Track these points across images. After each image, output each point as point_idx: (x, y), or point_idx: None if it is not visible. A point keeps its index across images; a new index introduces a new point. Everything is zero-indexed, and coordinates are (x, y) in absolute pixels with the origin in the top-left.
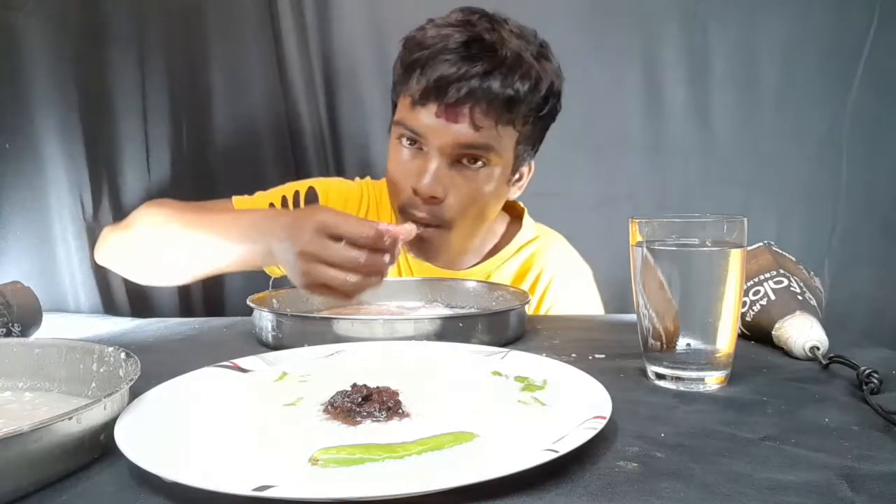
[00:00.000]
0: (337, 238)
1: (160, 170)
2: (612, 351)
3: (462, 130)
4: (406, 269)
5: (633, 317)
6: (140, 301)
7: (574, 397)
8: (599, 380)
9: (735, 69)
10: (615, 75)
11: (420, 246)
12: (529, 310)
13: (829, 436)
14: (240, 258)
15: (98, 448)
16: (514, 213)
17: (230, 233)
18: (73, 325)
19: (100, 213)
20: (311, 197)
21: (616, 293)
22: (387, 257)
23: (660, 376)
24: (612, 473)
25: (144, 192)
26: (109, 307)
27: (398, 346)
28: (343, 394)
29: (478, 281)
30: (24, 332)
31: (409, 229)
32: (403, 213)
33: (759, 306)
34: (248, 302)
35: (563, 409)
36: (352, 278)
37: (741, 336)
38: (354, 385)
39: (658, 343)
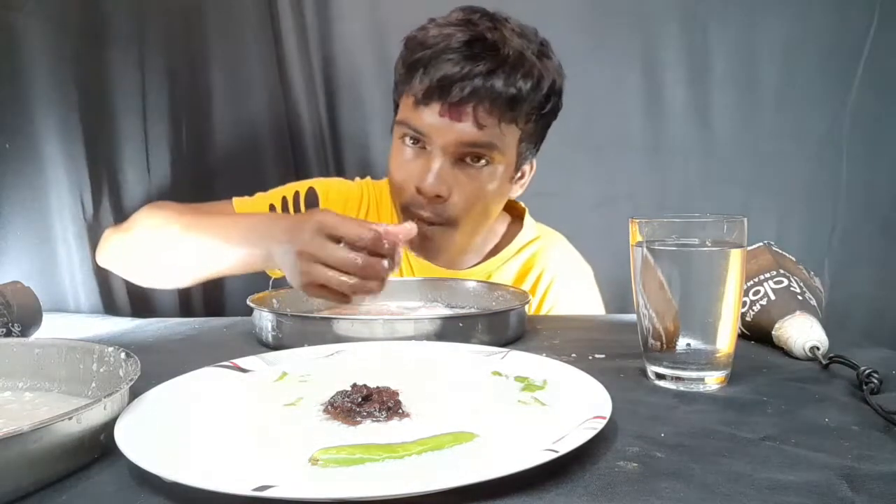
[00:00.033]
0: (336, 239)
1: (160, 170)
2: (612, 351)
3: (466, 129)
4: (407, 268)
5: (633, 317)
6: (140, 301)
7: (574, 397)
8: (599, 380)
9: (735, 69)
10: (615, 75)
11: (424, 244)
12: (530, 310)
13: (829, 436)
14: (240, 261)
15: (98, 448)
16: (514, 213)
17: (231, 236)
18: (73, 325)
19: (100, 212)
20: (312, 197)
21: (616, 293)
22: (386, 262)
23: (660, 376)
24: (612, 473)
25: (144, 192)
26: (109, 307)
27: (398, 346)
28: (343, 394)
29: (478, 281)
30: (24, 332)
31: (408, 228)
32: (407, 212)
33: (759, 306)
34: (248, 302)
35: (563, 409)
36: (349, 280)
37: (741, 336)
38: (354, 385)
39: (658, 343)
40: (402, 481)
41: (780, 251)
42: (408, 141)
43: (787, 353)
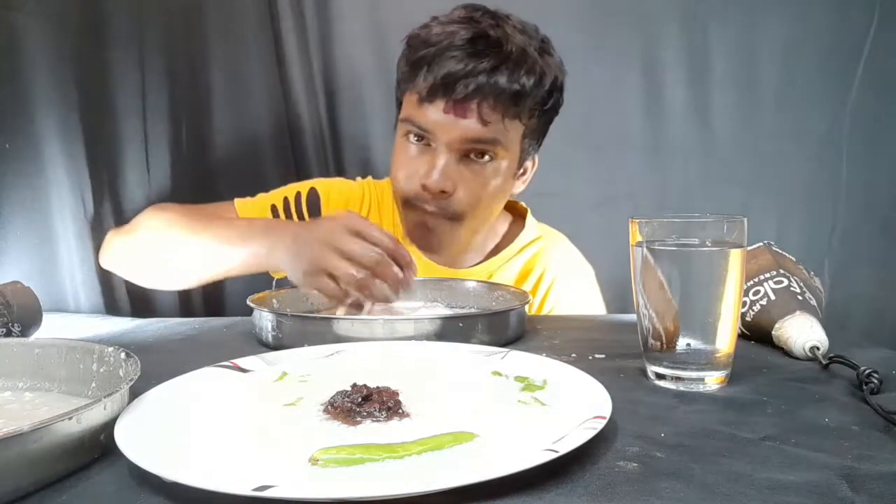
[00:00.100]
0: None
1: (160, 170)
2: (612, 351)
3: (470, 125)
4: None
5: (633, 317)
6: (140, 301)
7: (574, 397)
8: (599, 380)
9: (735, 69)
10: (615, 75)
11: (427, 237)
12: (531, 310)
13: (829, 436)
14: (244, 262)
15: (98, 448)
16: (516, 212)
17: (231, 237)
18: (73, 325)
19: (100, 212)
20: (313, 197)
21: (616, 293)
22: (398, 269)
23: (660, 376)
24: (612, 473)
25: (145, 192)
26: (110, 307)
27: (398, 346)
28: (343, 394)
29: (478, 281)
30: (24, 332)
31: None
32: (410, 207)
33: (759, 306)
34: (248, 302)
35: (563, 409)
36: (357, 272)
37: (741, 336)
38: (354, 385)
39: (658, 343)
40: (402, 481)
41: (780, 251)
42: (412, 138)
43: (787, 353)
